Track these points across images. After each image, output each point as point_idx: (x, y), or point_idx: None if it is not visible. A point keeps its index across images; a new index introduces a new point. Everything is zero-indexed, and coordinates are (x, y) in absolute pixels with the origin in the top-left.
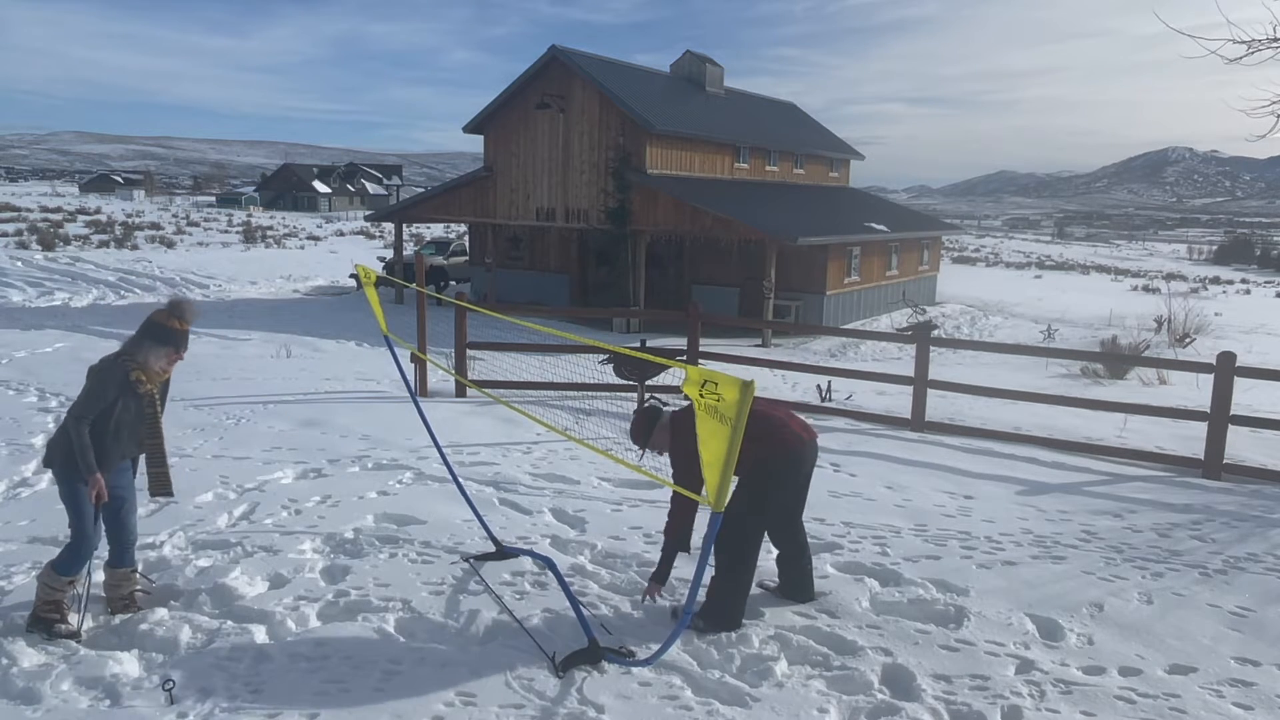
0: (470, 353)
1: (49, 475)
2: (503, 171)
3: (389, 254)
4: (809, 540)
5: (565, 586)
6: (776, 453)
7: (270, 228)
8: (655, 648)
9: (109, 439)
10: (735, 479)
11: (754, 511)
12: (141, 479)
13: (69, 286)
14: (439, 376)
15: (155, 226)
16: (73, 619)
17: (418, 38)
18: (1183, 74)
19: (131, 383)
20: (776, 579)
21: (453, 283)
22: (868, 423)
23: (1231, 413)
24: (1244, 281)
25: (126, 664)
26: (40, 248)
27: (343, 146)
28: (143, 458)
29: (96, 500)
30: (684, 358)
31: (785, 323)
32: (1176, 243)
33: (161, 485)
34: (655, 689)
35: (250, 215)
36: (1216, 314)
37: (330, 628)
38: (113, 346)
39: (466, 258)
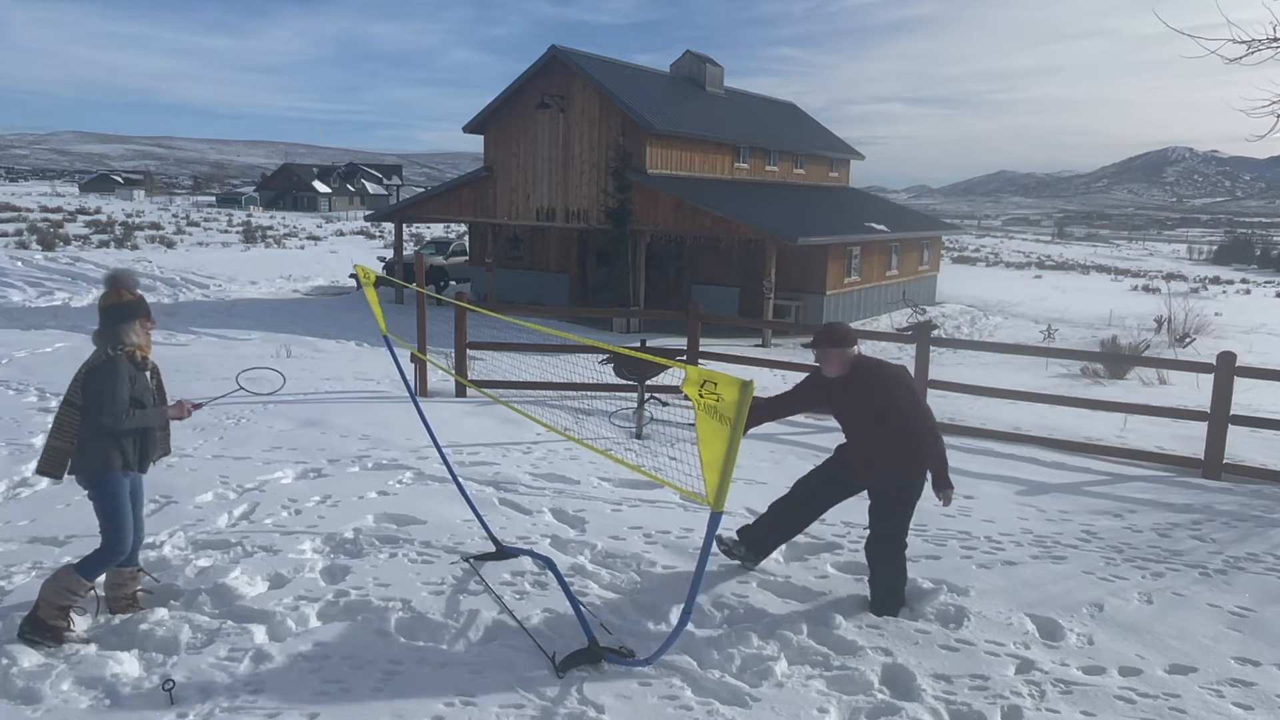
0: (470, 353)
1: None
2: (503, 171)
3: (389, 254)
4: (808, 540)
5: (565, 586)
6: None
7: (270, 228)
8: (655, 648)
9: (149, 429)
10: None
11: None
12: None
13: (69, 286)
14: (439, 376)
15: (155, 226)
16: (77, 623)
17: (418, 38)
18: (1183, 74)
19: (139, 364)
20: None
21: (453, 283)
22: None
23: (1231, 413)
24: (1244, 281)
25: (126, 664)
26: (40, 248)
27: (343, 146)
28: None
29: (188, 413)
30: (684, 358)
31: (785, 322)
32: (1176, 243)
33: (161, 445)
34: (655, 689)
35: (250, 215)
36: (1216, 314)
37: (330, 628)
38: None
39: (466, 258)
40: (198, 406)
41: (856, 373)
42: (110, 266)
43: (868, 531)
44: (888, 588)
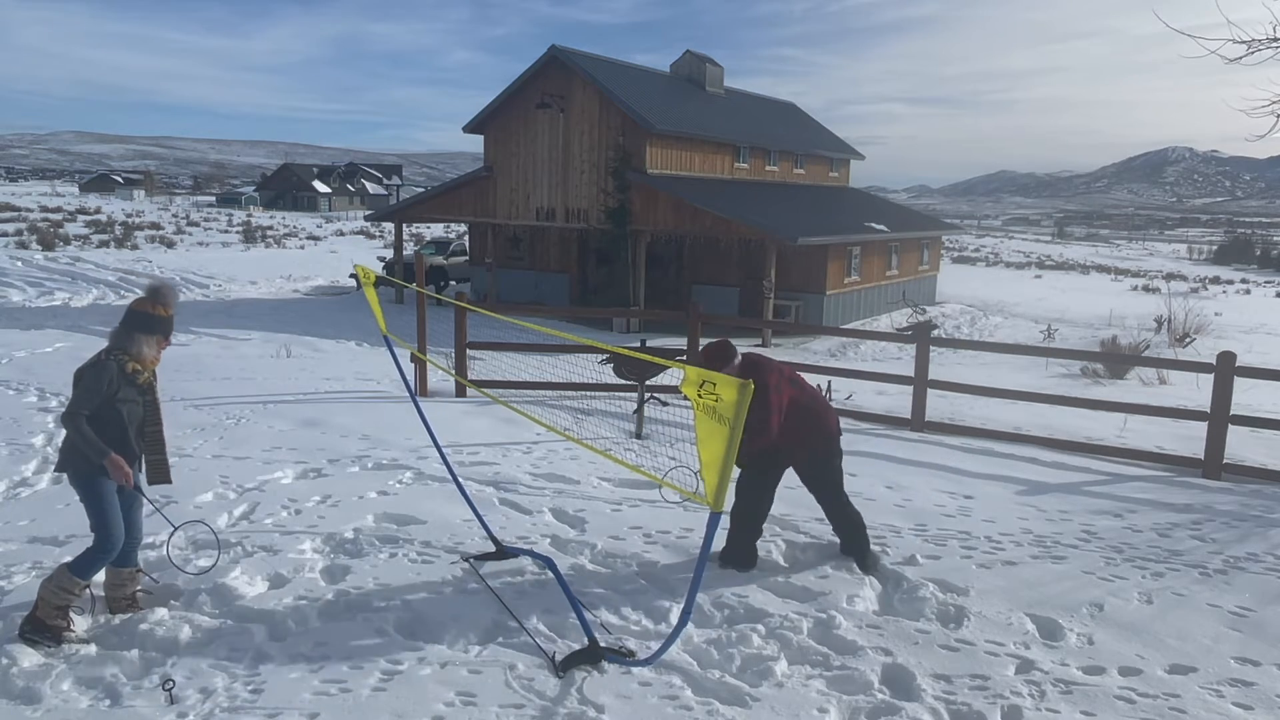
0: (470, 353)
1: (49, 475)
2: (503, 171)
3: (389, 254)
4: (808, 539)
5: (565, 586)
6: (824, 435)
7: (270, 228)
8: (655, 648)
9: (126, 436)
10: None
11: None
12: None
13: (69, 286)
14: (439, 376)
15: (155, 226)
16: (77, 623)
17: (418, 38)
18: (1183, 74)
19: (129, 375)
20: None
21: (453, 283)
22: (867, 422)
23: (1231, 413)
24: (1244, 281)
25: (126, 664)
26: (40, 248)
27: (343, 146)
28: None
29: (128, 482)
30: (684, 358)
31: (785, 322)
32: (1176, 243)
33: (161, 473)
34: (655, 689)
35: (250, 215)
36: (1216, 314)
37: (330, 628)
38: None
39: (466, 258)
40: (137, 489)
41: (744, 374)
42: (112, 266)
43: (824, 511)
44: (859, 537)
